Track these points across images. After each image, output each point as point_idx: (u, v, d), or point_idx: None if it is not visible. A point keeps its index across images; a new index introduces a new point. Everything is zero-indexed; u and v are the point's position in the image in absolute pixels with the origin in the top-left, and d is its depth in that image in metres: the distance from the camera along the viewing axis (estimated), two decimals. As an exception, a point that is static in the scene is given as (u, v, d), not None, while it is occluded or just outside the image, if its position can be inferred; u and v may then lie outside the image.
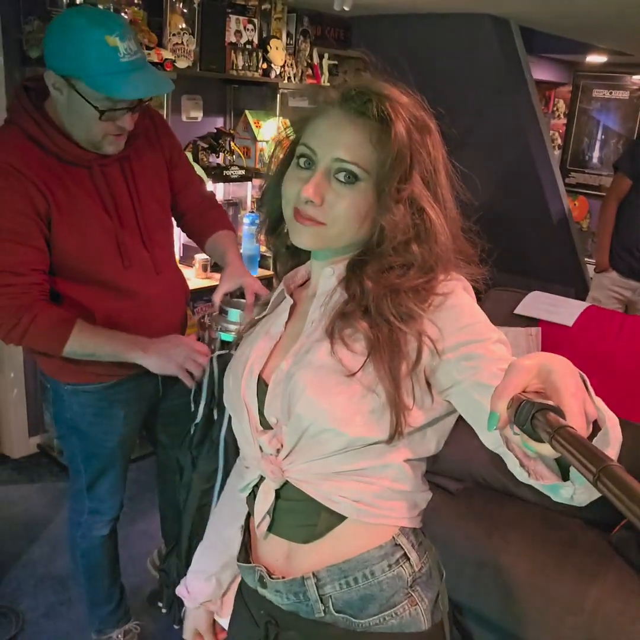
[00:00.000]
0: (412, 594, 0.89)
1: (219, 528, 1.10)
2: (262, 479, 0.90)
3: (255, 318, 1.02)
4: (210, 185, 2.95)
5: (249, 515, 0.97)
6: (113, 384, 1.60)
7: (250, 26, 3.10)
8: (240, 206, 3.47)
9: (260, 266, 3.23)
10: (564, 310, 2.17)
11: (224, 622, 1.10)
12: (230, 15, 3.02)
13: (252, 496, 0.93)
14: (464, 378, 0.77)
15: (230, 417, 0.99)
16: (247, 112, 3.31)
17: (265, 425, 0.89)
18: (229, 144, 3.21)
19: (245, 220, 3.23)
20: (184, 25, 2.79)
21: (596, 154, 5.52)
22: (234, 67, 3.06)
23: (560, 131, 5.70)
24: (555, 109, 5.68)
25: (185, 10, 2.80)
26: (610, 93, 5.37)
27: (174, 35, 2.76)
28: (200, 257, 3.04)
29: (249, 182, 3.38)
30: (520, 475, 0.63)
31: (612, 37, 3.83)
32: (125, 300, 1.53)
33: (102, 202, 1.47)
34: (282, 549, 0.91)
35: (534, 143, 3.69)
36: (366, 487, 0.85)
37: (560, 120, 5.69)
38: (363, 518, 0.86)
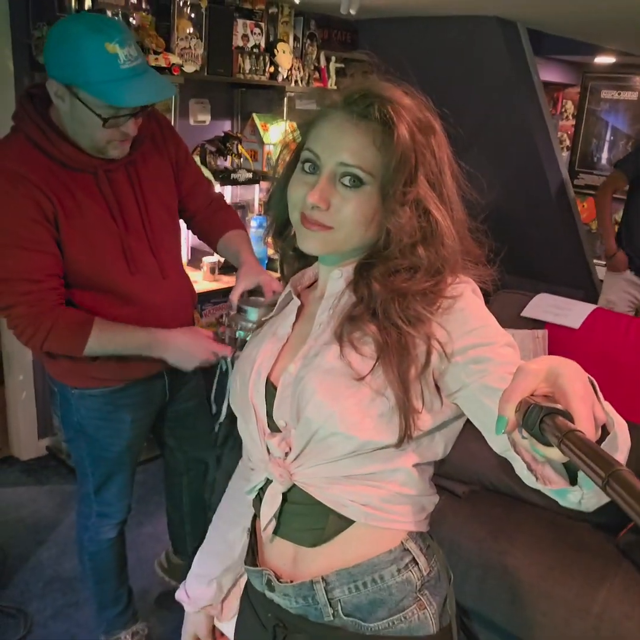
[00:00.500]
0: (421, 598, 0.89)
1: (221, 531, 1.09)
2: (268, 481, 0.90)
3: (262, 319, 1.02)
4: (217, 188, 2.96)
5: (255, 517, 0.97)
6: (119, 388, 1.60)
7: (257, 30, 3.11)
8: (248, 209, 3.48)
9: (267, 268, 3.24)
10: (571, 313, 2.16)
11: (224, 626, 1.09)
12: (237, 19, 3.03)
13: (258, 499, 0.93)
14: (472, 381, 0.77)
15: None
16: (254, 115, 3.32)
17: (273, 427, 0.89)
18: (237, 147, 3.21)
19: (253, 223, 3.24)
20: (191, 30, 2.80)
21: (605, 155, 5.50)
22: (241, 71, 3.06)
23: (569, 133, 5.68)
24: (563, 110, 5.66)
25: (192, 15, 2.81)
26: (619, 94, 5.35)
27: (181, 39, 2.77)
28: (208, 259, 3.04)
29: (257, 185, 3.39)
30: (528, 479, 0.62)
31: (620, 38, 3.81)
32: (131, 305, 1.53)
33: (107, 207, 1.47)
34: (289, 552, 0.91)
35: (541, 145, 3.68)
36: (374, 491, 0.85)
37: (568, 122, 5.67)
38: (371, 522, 0.86)
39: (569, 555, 1.72)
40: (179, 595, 1.10)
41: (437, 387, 0.82)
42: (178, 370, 1.58)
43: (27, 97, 1.44)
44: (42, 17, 2.47)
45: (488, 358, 0.77)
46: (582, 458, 0.49)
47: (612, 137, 5.46)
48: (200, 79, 2.96)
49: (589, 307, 2.21)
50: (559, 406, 0.55)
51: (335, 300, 0.89)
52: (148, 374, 1.63)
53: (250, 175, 3.20)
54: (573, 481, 0.63)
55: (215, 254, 2.97)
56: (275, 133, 3.33)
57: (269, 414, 0.89)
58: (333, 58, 3.57)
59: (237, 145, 3.22)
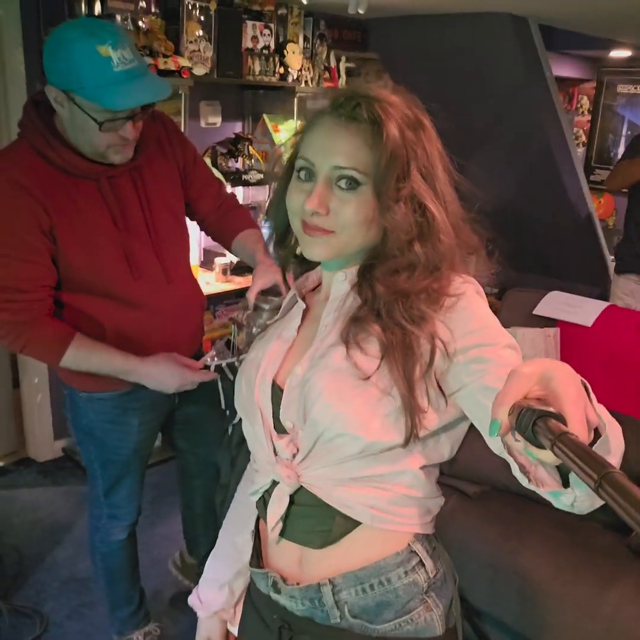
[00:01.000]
0: (428, 600, 0.89)
1: (230, 535, 1.10)
2: (274, 483, 0.90)
3: (267, 323, 1.02)
4: (228, 190, 2.97)
5: (259, 519, 0.98)
6: (127, 392, 1.60)
7: (266, 31, 3.12)
8: (259, 210, 3.49)
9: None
10: (583, 310, 2.14)
11: (237, 630, 1.10)
12: (247, 21, 3.03)
13: (262, 501, 0.94)
14: (471, 381, 0.78)
15: None
16: (265, 116, 3.33)
17: (280, 429, 0.89)
18: (248, 149, 3.23)
19: (264, 225, 3.25)
20: (200, 33, 2.82)
21: (621, 150, 5.42)
22: (251, 73, 3.07)
23: (585, 128, 5.61)
24: (579, 105, 5.60)
25: (201, 18, 2.82)
26: (636, 88, 5.28)
27: (191, 42, 2.79)
28: (220, 261, 3.06)
29: (268, 186, 3.40)
30: (522, 480, 0.63)
31: (635, 32, 3.76)
32: (135, 311, 1.53)
33: (110, 213, 1.47)
34: (295, 554, 0.91)
35: (555, 141, 3.64)
36: (381, 493, 0.85)
37: (584, 117, 5.60)
38: (377, 524, 0.86)
39: (579, 556, 1.71)
40: (192, 600, 1.10)
41: (440, 387, 0.83)
42: None
43: (32, 104, 1.45)
44: (53, 23, 2.49)
45: (488, 359, 0.77)
46: (574, 460, 0.49)
47: (628, 132, 5.38)
48: (210, 82, 2.97)
49: (601, 305, 2.19)
50: (551, 409, 0.55)
51: (340, 302, 0.90)
52: None
53: (261, 176, 3.21)
54: (566, 483, 0.62)
55: (227, 255, 2.99)
56: (286, 134, 3.33)
57: (276, 416, 0.89)
58: (343, 58, 3.56)
59: (248, 146, 3.23)
